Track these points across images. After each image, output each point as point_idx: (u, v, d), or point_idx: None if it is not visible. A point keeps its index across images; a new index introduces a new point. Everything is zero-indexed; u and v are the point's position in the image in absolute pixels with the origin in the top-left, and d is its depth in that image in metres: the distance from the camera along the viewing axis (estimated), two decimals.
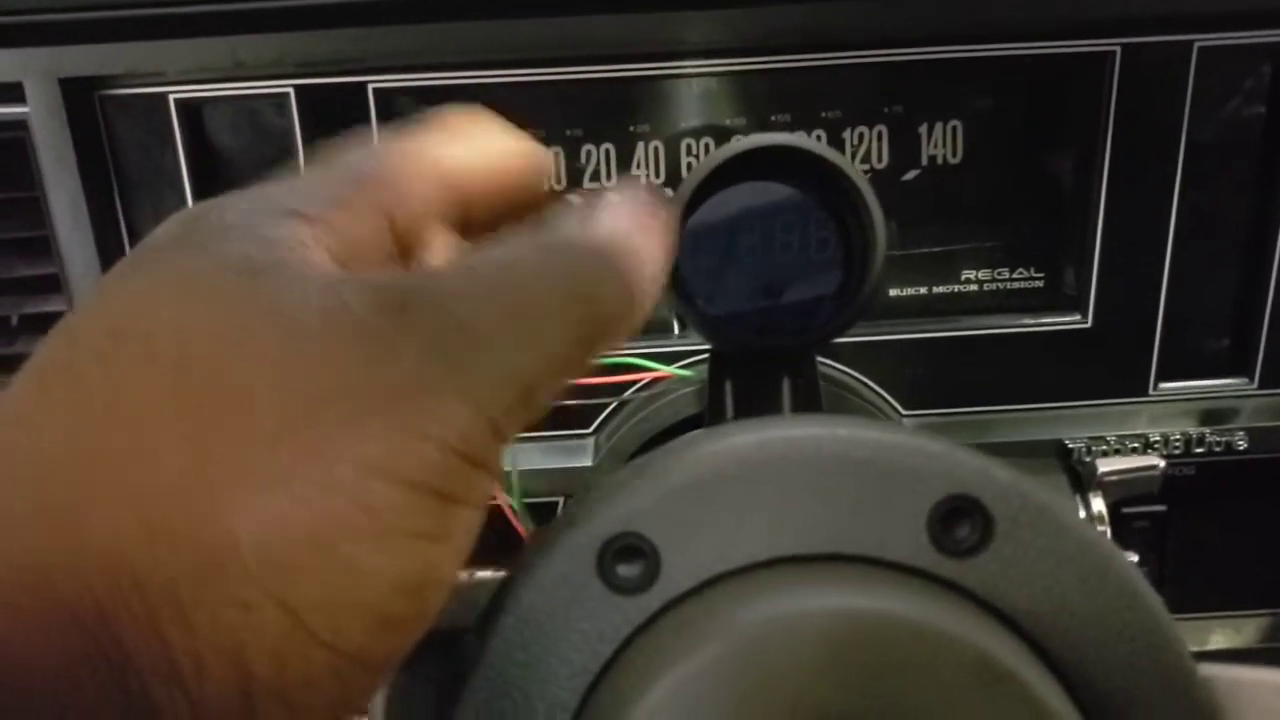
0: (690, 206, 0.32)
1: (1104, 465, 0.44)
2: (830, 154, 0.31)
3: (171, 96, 0.49)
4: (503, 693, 0.23)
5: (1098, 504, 0.44)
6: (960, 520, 0.23)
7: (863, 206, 0.31)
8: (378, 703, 0.37)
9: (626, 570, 0.23)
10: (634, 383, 0.52)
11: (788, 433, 0.24)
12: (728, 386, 0.35)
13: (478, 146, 0.28)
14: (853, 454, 0.23)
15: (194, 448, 0.19)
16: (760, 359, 0.34)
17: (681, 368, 0.51)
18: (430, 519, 0.20)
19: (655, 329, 0.56)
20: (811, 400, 0.34)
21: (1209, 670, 0.24)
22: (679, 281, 0.32)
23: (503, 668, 0.23)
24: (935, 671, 0.21)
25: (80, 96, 0.48)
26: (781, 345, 0.33)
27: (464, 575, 0.55)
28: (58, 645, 0.18)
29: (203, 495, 0.19)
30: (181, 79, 0.48)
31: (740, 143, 0.31)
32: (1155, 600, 0.23)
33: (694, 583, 0.23)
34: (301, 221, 0.23)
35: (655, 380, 0.52)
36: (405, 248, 0.26)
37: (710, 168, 0.31)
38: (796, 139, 0.31)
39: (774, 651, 0.21)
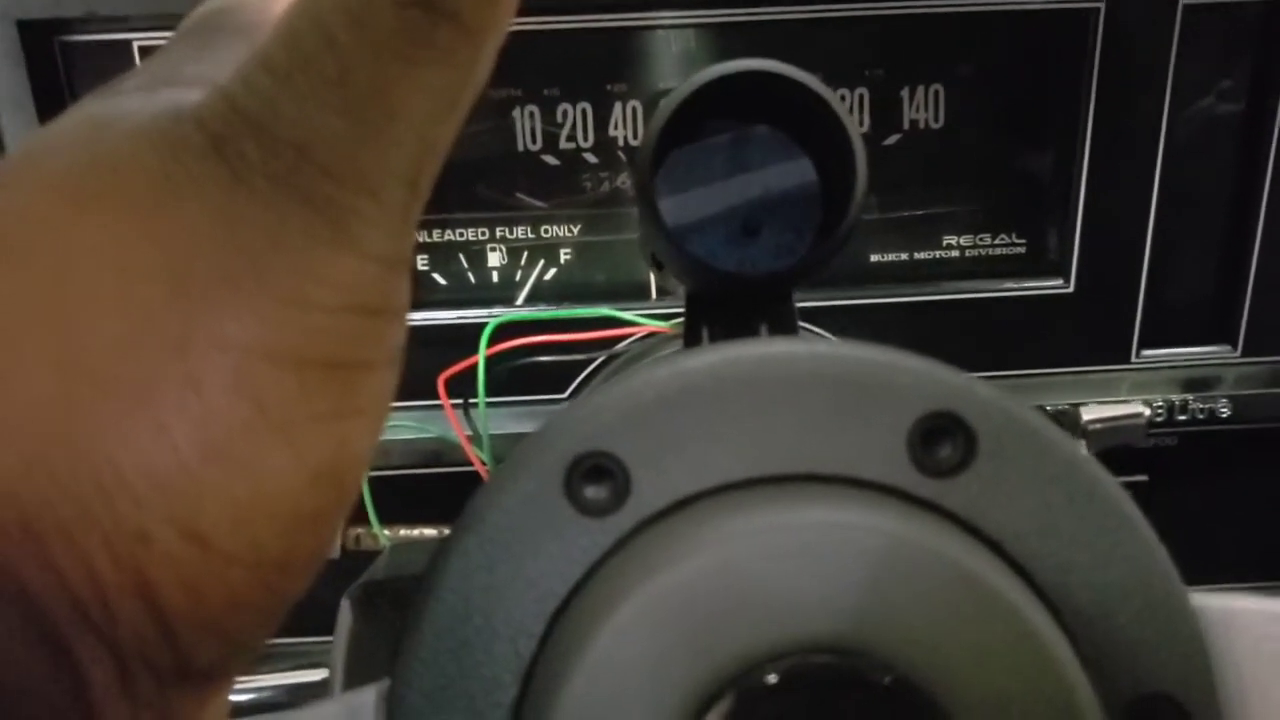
0: (663, 144, 0.31)
1: (1088, 413, 0.44)
2: (804, 77, 0.30)
3: (135, 43, 0.47)
4: (464, 617, 0.22)
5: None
6: (941, 439, 0.22)
7: (841, 136, 0.30)
8: (337, 651, 0.36)
9: (595, 491, 0.22)
10: (611, 340, 0.51)
11: (762, 350, 0.23)
12: (704, 331, 0.34)
13: None
14: (828, 370, 0.22)
15: (63, 365, 0.16)
16: (737, 300, 0.33)
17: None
18: (334, 395, 0.18)
19: (632, 294, 0.55)
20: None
21: (1201, 598, 0.23)
22: (655, 218, 0.31)
23: (464, 591, 0.22)
24: (919, 589, 0.20)
25: (39, 42, 0.47)
26: (759, 284, 0.32)
27: (434, 533, 0.54)
28: None
29: (74, 419, 0.16)
30: (146, 25, 0.47)
31: (714, 69, 0.30)
32: (1145, 524, 0.22)
33: (665, 503, 0.22)
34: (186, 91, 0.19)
35: (631, 345, 0.51)
36: None
37: (682, 97, 0.30)
38: (768, 63, 0.30)
39: (750, 566, 0.20)
